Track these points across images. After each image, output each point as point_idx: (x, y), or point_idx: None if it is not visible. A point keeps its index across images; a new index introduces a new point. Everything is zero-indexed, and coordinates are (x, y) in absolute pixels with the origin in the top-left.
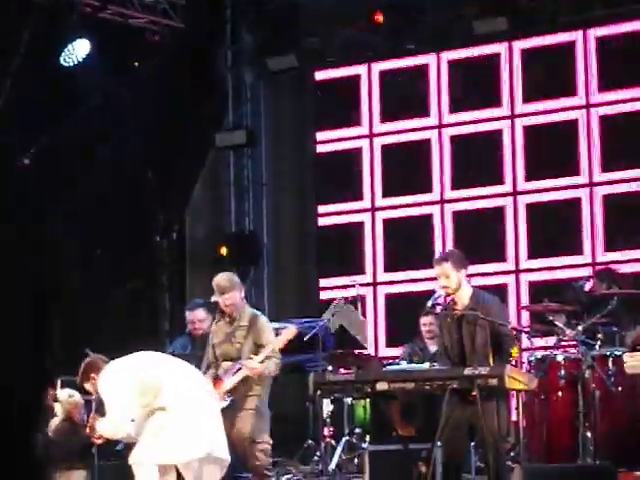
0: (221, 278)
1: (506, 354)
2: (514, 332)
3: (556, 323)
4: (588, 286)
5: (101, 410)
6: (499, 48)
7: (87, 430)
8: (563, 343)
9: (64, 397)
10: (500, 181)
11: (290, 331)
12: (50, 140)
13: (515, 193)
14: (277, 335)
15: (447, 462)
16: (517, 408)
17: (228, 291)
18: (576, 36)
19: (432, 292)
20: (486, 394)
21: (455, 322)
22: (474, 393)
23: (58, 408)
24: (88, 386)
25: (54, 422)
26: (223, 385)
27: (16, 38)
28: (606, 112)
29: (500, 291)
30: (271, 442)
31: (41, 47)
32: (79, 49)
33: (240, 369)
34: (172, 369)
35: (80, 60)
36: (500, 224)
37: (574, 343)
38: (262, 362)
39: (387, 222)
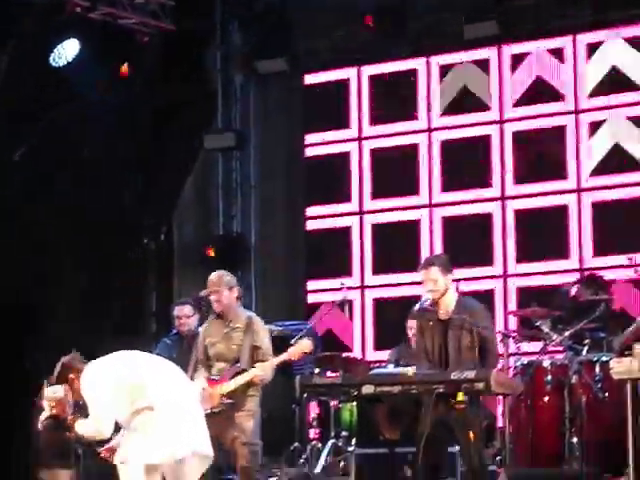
0: (212, 275)
1: (492, 359)
2: (501, 337)
3: (542, 328)
4: (573, 291)
5: (82, 412)
6: (489, 53)
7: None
8: (550, 348)
9: (49, 394)
10: (488, 185)
11: (306, 344)
12: (37, 139)
13: (503, 198)
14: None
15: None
16: (503, 413)
17: (216, 288)
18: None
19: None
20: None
21: (440, 326)
22: (460, 398)
23: (45, 405)
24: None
25: (42, 417)
26: (225, 386)
27: (5, 38)
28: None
29: (487, 296)
30: (261, 444)
31: (31, 47)
32: (68, 49)
33: (239, 372)
34: (155, 367)
35: (69, 60)
36: (488, 229)
37: (561, 348)
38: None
39: (375, 225)
